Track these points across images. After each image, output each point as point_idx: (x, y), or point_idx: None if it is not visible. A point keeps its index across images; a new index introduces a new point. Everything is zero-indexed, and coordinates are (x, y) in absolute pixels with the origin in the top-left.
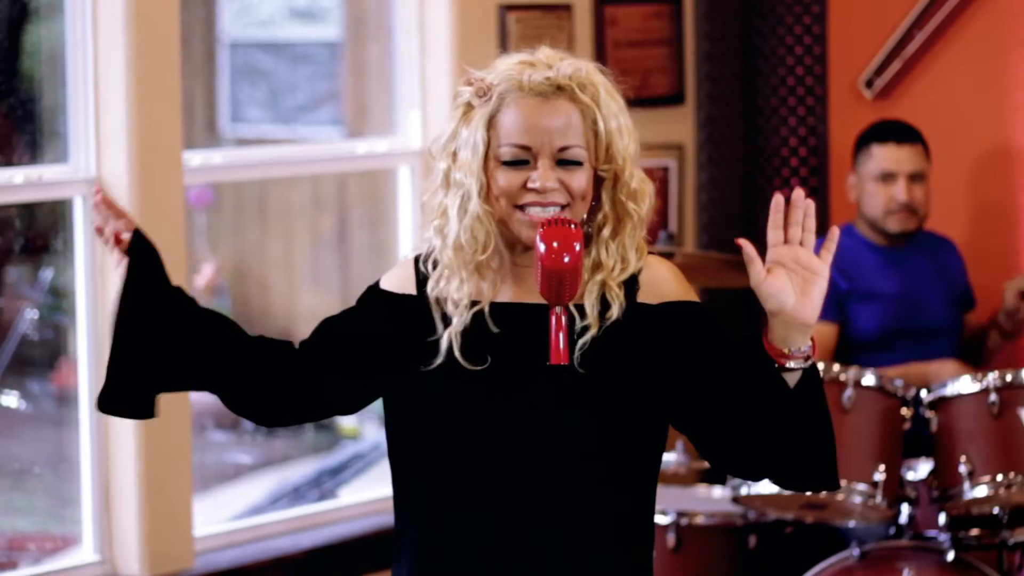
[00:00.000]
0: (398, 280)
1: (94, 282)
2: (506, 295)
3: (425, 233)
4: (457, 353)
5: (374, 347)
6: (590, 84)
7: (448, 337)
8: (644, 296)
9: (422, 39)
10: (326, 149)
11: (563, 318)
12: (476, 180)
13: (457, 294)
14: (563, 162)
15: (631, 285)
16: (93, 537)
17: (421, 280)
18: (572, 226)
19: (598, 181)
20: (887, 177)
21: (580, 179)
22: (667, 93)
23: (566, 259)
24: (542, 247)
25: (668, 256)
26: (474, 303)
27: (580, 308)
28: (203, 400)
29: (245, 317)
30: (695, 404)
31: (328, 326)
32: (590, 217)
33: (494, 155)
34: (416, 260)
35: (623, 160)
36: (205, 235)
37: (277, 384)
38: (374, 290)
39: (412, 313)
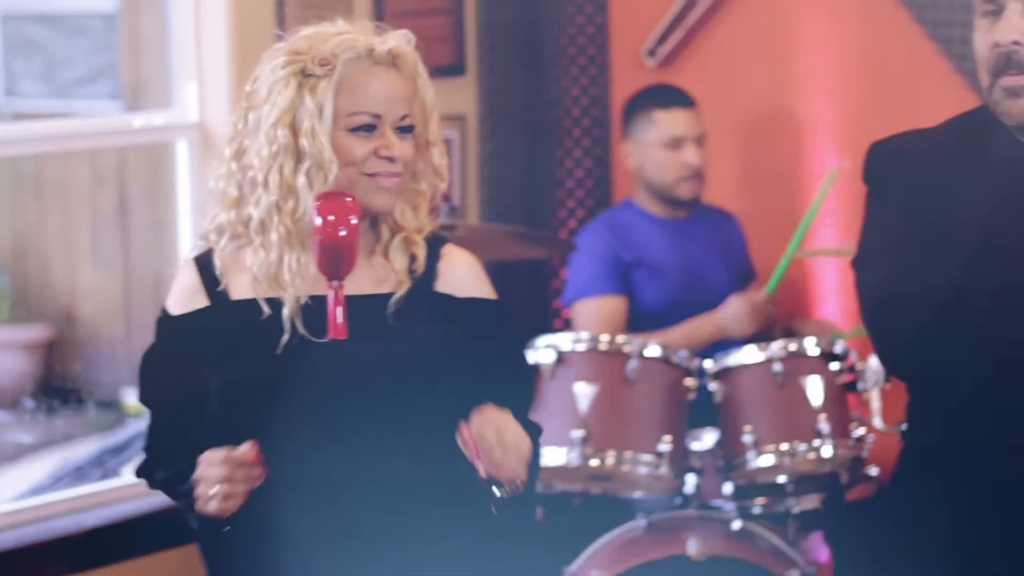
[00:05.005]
0: (187, 298)
1: None
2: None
3: (246, 210)
4: (301, 328)
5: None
6: (414, 56)
7: (288, 315)
8: (444, 286)
9: (198, 11)
10: (102, 123)
11: (340, 292)
12: (331, 148)
13: (286, 268)
14: (401, 130)
15: (430, 272)
16: None
17: (210, 284)
18: (348, 199)
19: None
20: (676, 143)
21: (411, 148)
22: (448, 63)
23: (342, 232)
24: (318, 220)
25: (451, 229)
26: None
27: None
28: None
29: (25, 296)
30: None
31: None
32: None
33: (341, 124)
34: (197, 265)
35: (435, 135)
36: None
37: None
38: (170, 321)
39: (218, 320)
